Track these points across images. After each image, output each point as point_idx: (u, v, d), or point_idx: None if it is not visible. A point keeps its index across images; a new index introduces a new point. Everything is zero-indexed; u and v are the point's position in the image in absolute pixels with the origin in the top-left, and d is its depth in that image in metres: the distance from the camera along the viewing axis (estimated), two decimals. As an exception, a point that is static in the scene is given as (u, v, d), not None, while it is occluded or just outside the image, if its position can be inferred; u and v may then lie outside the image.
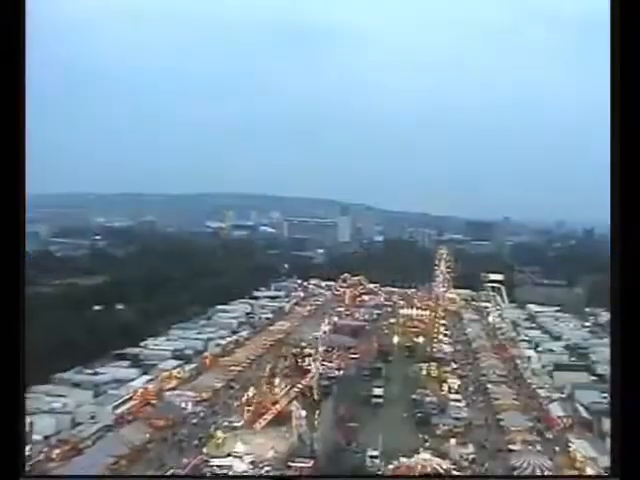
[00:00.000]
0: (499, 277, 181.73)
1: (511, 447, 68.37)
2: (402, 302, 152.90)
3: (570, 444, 68.84)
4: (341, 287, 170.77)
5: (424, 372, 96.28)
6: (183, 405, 77.91)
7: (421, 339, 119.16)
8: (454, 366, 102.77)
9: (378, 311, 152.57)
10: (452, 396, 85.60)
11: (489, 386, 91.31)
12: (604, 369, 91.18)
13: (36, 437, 61.72)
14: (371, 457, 61.81)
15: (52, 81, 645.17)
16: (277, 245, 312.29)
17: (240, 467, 60.69)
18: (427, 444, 67.04)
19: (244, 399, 78.09)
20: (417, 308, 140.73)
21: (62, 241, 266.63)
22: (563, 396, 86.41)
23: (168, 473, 58.67)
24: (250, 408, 74.04)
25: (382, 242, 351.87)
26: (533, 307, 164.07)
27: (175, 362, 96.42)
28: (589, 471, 61.28)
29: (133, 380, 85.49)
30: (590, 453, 64.72)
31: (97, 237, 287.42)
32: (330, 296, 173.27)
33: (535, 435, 72.10)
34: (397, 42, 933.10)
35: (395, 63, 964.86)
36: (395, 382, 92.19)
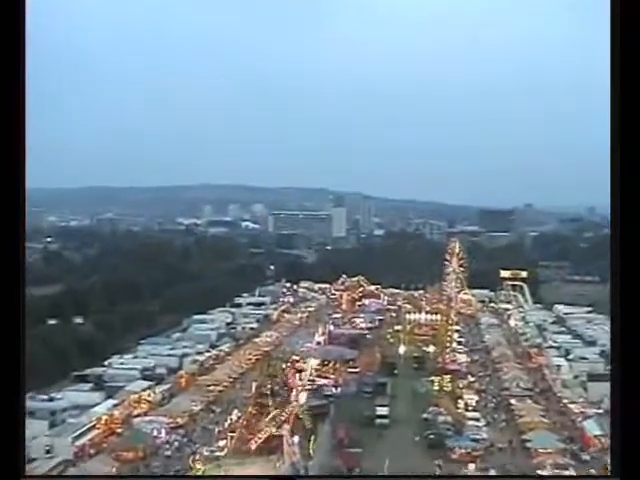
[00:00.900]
0: (521, 274, 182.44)
1: (540, 472, 68.35)
2: (408, 306, 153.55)
3: (609, 467, 68.99)
4: (337, 290, 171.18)
5: (436, 387, 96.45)
6: (155, 433, 77.48)
7: (431, 348, 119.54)
8: (471, 379, 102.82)
9: (380, 317, 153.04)
10: (469, 414, 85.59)
11: (512, 401, 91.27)
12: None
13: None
14: None
15: None
16: (261, 243, 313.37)
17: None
18: (441, 471, 67.03)
19: (227, 424, 78.13)
20: (426, 312, 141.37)
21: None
22: (600, 411, 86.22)
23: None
24: (234, 434, 73.75)
25: (383, 236, 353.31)
26: (561, 308, 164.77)
27: (145, 383, 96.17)
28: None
29: (96, 406, 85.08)
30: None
31: (49, 239, 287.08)
32: (324, 301, 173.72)
33: (568, 458, 71.92)
34: (397, 9, 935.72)
35: (396, 34, 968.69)
36: (402, 399, 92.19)
